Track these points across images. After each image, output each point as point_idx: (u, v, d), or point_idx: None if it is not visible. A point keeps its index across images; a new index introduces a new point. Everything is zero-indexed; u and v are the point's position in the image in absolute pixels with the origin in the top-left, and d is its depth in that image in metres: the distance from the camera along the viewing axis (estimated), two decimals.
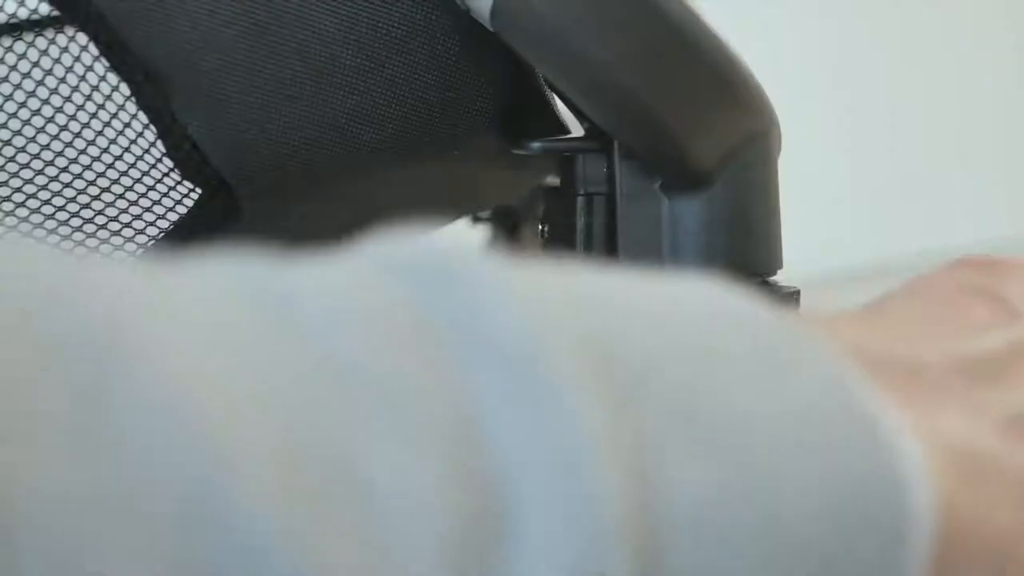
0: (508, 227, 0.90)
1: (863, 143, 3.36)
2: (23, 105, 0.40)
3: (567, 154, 0.44)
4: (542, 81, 0.45)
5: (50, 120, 0.40)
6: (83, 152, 0.41)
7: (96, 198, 0.42)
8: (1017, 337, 0.26)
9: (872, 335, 0.25)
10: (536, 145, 0.44)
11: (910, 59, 3.35)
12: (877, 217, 3.41)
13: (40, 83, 0.40)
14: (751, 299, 0.22)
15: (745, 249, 0.44)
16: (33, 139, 0.40)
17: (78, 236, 0.42)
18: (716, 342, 0.21)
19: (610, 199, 0.44)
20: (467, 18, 0.41)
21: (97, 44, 0.40)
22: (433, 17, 0.41)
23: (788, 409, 0.21)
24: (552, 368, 0.19)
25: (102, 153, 0.41)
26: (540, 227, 0.46)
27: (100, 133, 0.41)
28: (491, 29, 0.40)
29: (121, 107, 0.41)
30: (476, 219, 0.92)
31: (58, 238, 0.42)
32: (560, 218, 0.45)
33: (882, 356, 0.24)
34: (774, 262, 0.45)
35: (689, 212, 0.43)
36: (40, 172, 0.41)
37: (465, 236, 0.94)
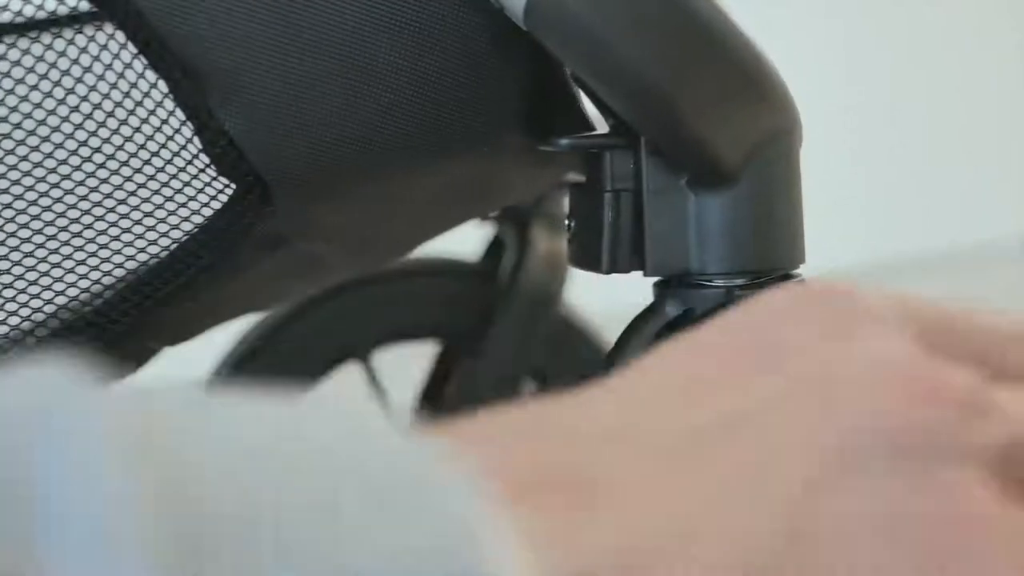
0: (517, 226, 0.91)
1: (869, 142, 3.36)
2: (62, 101, 0.40)
3: (594, 151, 0.45)
4: (569, 78, 0.45)
5: (88, 116, 0.41)
6: (120, 148, 0.41)
7: (133, 193, 0.42)
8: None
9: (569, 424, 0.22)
10: (564, 142, 0.45)
11: (914, 59, 3.34)
12: (884, 215, 3.41)
13: (79, 80, 0.40)
14: (383, 431, 0.20)
15: (769, 244, 0.44)
16: (72, 135, 0.41)
17: (114, 231, 0.43)
18: (327, 495, 0.19)
19: (637, 195, 0.44)
20: (499, 16, 0.42)
21: (135, 41, 0.40)
22: (465, 14, 0.41)
23: (396, 565, 0.19)
24: (121, 541, 0.17)
25: (139, 149, 0.42)
26: (567, 223, 0.47)
27: (138, 129, 0.41)
28: (524, 27, 0.40)
29: (159, 104, 0.41)
30: (484, 217, 0.93)
31: (95, 232, 0.42)
32: (587, 214, 0.45)
33: (544, 468, 0.21)
34: (797, 257, 0.45)
35: (714, 208, 0.44)
36: (78, 168, 0.41)
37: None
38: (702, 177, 0.44)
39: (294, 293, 0.68)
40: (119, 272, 0.43)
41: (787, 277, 0.45)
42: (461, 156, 0.44)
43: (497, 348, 0.88)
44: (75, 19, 0.40)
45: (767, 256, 0.44)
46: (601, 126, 0.49)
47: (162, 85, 0.41)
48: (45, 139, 0.41)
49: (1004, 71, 3.45)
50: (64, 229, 0.42)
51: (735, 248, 0.44)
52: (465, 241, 0.94)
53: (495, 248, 0.95)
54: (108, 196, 0.42)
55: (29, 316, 0.42)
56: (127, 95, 0.41)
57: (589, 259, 0.45)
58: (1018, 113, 3.51)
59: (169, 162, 0.42)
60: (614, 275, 0.46)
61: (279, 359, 0.84)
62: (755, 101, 0.43)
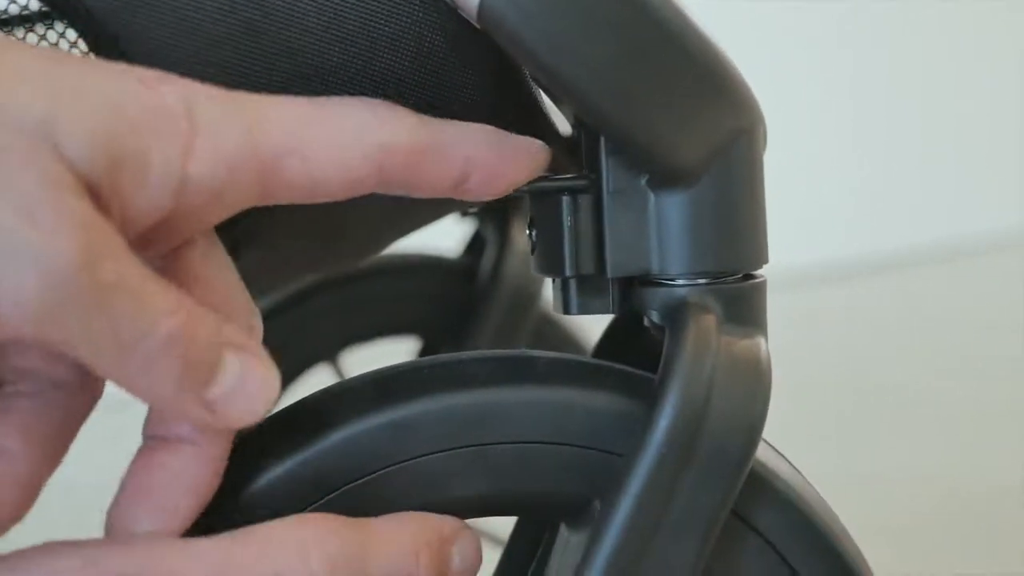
0: (497, 222, 0.91)
1: (860, 139, 3.36)
2: None
3: (554, 194, 0.44)
4: (529, 77, 0.45)
5: None
6: None
7: None
8: None
9: None
10: (523, 188, 0.44)
11: (911, 54, 3.34)
12: (881, 207, 3.41)
13: None
14: None
15: (731, 244, 0.44)
16: None
17: None
18: None
19: (596, 195, 0.44)
20: (455, 15, 0.41)
21: (86, 39, 0.40)
22: (420, 14, 0.41)
23: None
24: None
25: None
26: (528, 233, 0.46)
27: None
28: (478, 26, 0.40)
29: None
30: (465, 213, 0.93)
31: None
32: (546, 218, 0.45)
33: None
34: (760, 257, 0.45)
35: (675, 207, 0.43)
36: None
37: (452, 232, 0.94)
38: (662, 177, 0.43)
39: (259, 295, 0.68)
40: None
41: (749, 277, 0.45)
42: None
43: (477, 345, 0.88)
44: (26, 19, 0.40)
45: (729, 256, 0.44)
46: (563, 125, 0.48)
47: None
48: None
49: (998, 68, 3.44)
50: None
51: (696, 248, 0.44)
52: (446, 237, 0.93)
53: (476, 244, 0.95)
54: None
55: None
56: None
57: (552, 264, 0.45)
58: (1009, 108, 3.51)
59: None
60: None
61: None
62: (715, 100, 0.43)
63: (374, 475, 0.41)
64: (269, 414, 0.37)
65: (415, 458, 0.42)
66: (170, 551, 0.34)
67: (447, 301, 0.88)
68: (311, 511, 0.40)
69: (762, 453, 0.45)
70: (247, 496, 0.40)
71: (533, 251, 0.46)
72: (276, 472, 0.40)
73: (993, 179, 3.55)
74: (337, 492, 0.41)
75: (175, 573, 0.33)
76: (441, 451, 0.42)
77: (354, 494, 0.41)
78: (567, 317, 0.95)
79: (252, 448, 0.40)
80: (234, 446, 0.37)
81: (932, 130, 3.44)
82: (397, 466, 0.41)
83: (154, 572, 0.33)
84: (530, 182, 0.44)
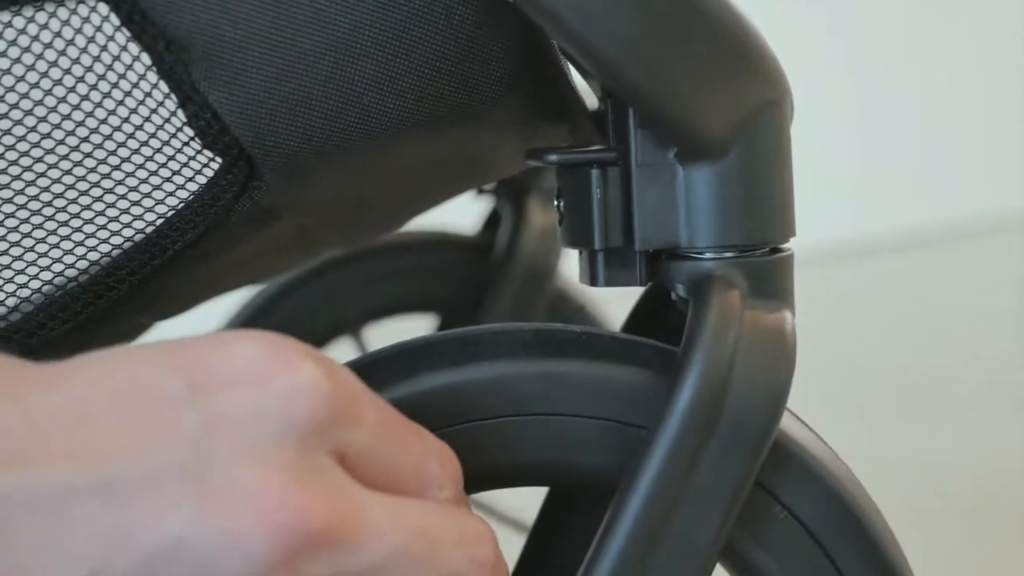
0: (513, 198, 0.91)
1: (866, 115, 3.35)
2: (45, 75, 0.40)
3: (582, 167, 0.44)
4: (557, 51, 0.45)
5: (71, 90, 0.41)
6: (104, 122, 0.41)
7: (117, 167, 0.42)
8: None
9: None
10: (552, 157, 0.44)
11: (909, 35, 3.33)
12: (882, 188, 3.40)
13: (62, 53, 0.40)
14: None
15: (758, 217, 0.44)
16: (55, 109, 0.41)
17: (99, 205, 0.42)
18: None
19: (625, 168, 0.44)
20: None
21: (118, 13, 0.40)
22: None
23: None
24: None
25: (123, 123, 0.41)
26: (556, 202, 0.46)
27: (121, 103, 0.41)
28: None
29: (142, 76, 0.41)
30: (481, 191, 0.93)
31: (79, 207, 0.42)
32: (575, 192, 0.45)
33: None
34: (787, 230, 0.45)
35: (703, 180, 0.44)
36: (62, 142, 0.41)
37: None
38: (690, 150, 0.43)
39: (290, 265, 0.68)
40: (104, 248, 0.43)
41: (776, 251, 0.45)
42: (449, 130, 0.44)
43: (492, 320, 0.88)
44: None
45: (756, 229, 0.44)
46: (590, 99, 0.48)
47: (145, 58, 0.40)
48: (27, 113, 0.40)
49: (994, 54, 3.43)
50: (48, 204, 0.42)
51: (724, 221, 0.44)
52: (464, 215, 0.93)
53: (492, 222, 0.95)
54: (91, 171, 0.42)
55: (14, 292, 0.42)
56: (110, 68, 0.40)
57: (581, 237, 0.45)
58: (1013, 84, 3.50)
59: (153, 135, 0.41)
60: None
61: None
62: (744, 73, 0.43)
63: None
64: None
65: (457, 424, 0.42)
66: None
67: (464, 278, 0.88)
68: None
69: (789, 425, 0.45)
70: None
71: (561, 223, 0.46)
72: None
73: (994, 161, 3.53)
74: None
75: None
76: (467, 422, 0.42)
77: None
78: (582, 292, 0.95)
79: None
80: None
81: (930, 112, 3.43)
82: (440, 432, 0.41)
83: None
84: (559, 154, 0.44)
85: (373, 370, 0.43)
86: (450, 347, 0.43)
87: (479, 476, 0.42)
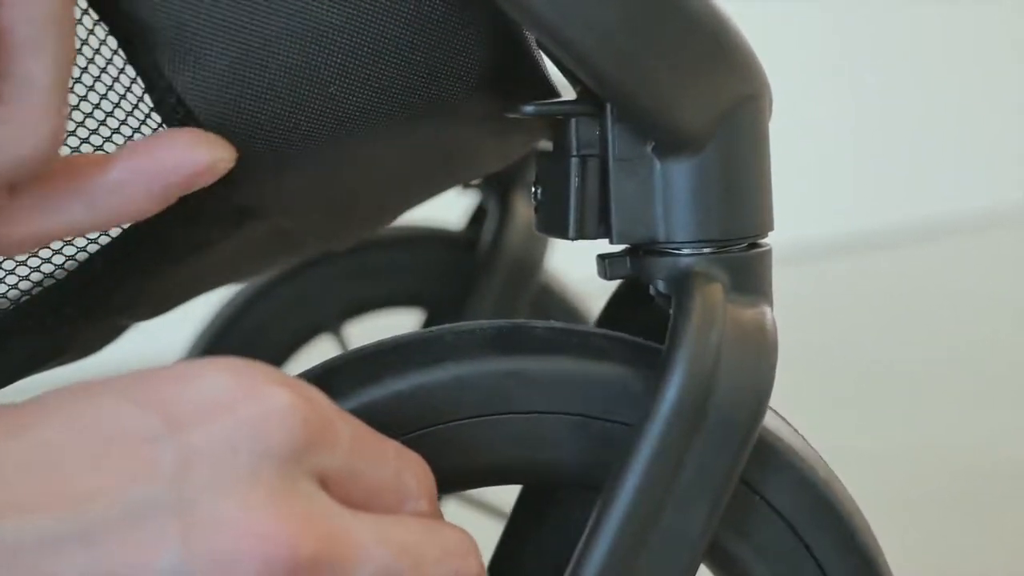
0: (499, 193, 0.90)
1: (863, 109, 3.35)
2: None
3: (560, 117, 0.44)
4: (532, 43, 0.45)
5: None
6: (75, 108, 0.40)
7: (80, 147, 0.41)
8: None
9: None
10: (529, 108, 0.44)
11: (907, 30, 3.33)
12: (882, 181, 3.40)
13: None
14: None
15: (736, 212, 0.44)
16: None
17: None
18: None
19: (603, 162, 0.44)
20: None
21: None
22: None
23: None
24: None
25: (94, 109, 0.41)
26: (533, 190, 0.46)
27: (91, 88, 0.40)
28: None
29: (109, 61, 0.40)
30: (468, 185, 0.93)
31: None
32: (553, 181, 0.45)
33: None
34: (765, 224, 0.45)
35: (681, 174, 0.43)
36: None
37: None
38: (668, 144, 0.43)
39: (272, 264, 0.67)
40: (80, 242, 0.43)
41: (754, 246, 0.44)
42: (422, 123, 0.44)
43: (479, 316, 0.88)
44: None
45: (735, 224, 0.44)
46: (567, 93, 0.48)
47: (112, 42, 0.40)
48: None
49: (999, 42, 3.43)
50: None
51: (702, 216, 0.43)
52: (450, 210, 0.93)
53: (478, 216, 0.94)
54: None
55: None
56: (78, 52, 0.39)
57: (556, 226, 0.45)
58: (1008, 81, 3.50)
59: (123, 122, 0.41)
60: (596, 242, 0.45)
61: (252, 334, 0.83)
62: (721, 67, 0.42)
63: None
64: None
65: (421, 429, 0.42)
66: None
67: (450, 273, 0.88)
68: None
69: (770, 422, 0.45)
70: None
71: (537, 211, 0.46)
72: None
73: (988, 157, 3.53)
74: None
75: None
76: (448, 422, 0.42)
77: None
78: (568, 288, 0.95)
79: None
80: None
81: (931, 107, 3.43)
82: (404, 438, 0.41)
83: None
84: (535, 105, 0.43)
85: (334, 376, 0.42)
86: (412, 349, 0.43)
87: (449, 479, 0.42)
